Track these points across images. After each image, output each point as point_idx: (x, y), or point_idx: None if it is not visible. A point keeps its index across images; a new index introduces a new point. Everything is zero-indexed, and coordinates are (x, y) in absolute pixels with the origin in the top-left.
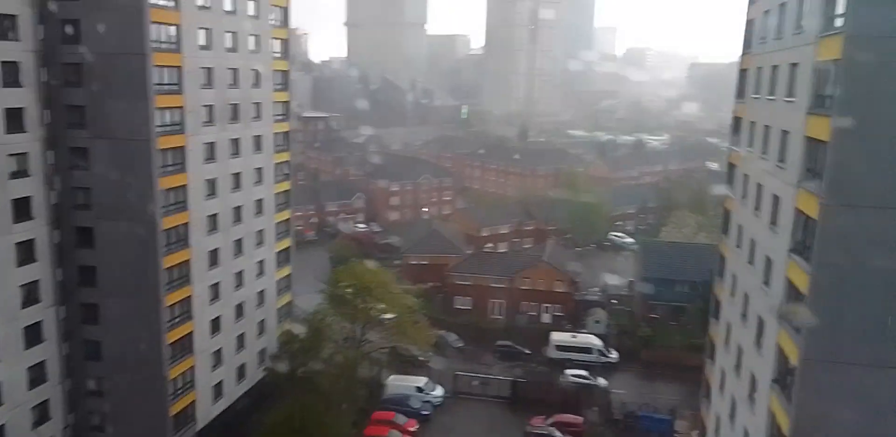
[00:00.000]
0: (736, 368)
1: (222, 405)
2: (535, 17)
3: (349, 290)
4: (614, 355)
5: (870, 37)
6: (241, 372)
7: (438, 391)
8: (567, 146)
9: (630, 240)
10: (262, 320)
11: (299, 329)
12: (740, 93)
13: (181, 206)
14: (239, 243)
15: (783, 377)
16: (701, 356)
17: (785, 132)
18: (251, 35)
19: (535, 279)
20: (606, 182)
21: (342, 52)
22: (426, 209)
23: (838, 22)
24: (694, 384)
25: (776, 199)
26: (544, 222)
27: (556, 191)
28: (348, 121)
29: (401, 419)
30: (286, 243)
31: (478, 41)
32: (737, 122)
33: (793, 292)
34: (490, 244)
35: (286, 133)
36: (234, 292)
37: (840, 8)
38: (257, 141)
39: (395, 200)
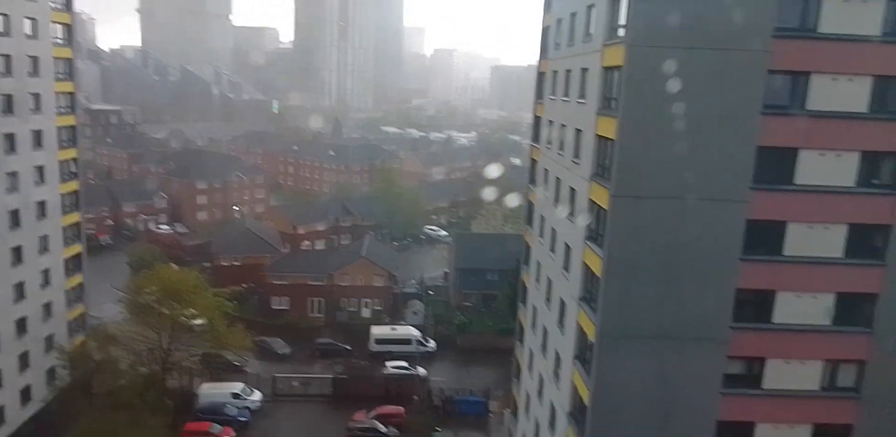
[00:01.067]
0: (542, 348)
1: (2, 433)
2: (345, 14)
3: (153, 297)
4: (432, 344)
5: (648, 46)
6: (25, 395)
7: (256, 396)
8: (381, 142)
9: (444, 233)
10: (51, 335)
11: (94, 343)
12: (539, 94)
13: None
14: (18, 250)
15: (583, 353)
16: (511, 340)
17: (579, 131)
18: (27, 18)
19: (353, 275)
20: (420, 178)
21: (136, 40)
22: (237, 208)
23: (621, 32)
24: (506, 366)
25: (573, 191)
26: (361, 218)
27: (372, 187)
28: (145, 114)
29: (216, 428)
30: (76, 248)
31: (287, 35)
32: (537, 121)
33: (589, 276)
34: (307, 242)
35: (72, 127)
36: (14, 306)
37: (622, 19)
38: (37, 136)
39: (203, 198)
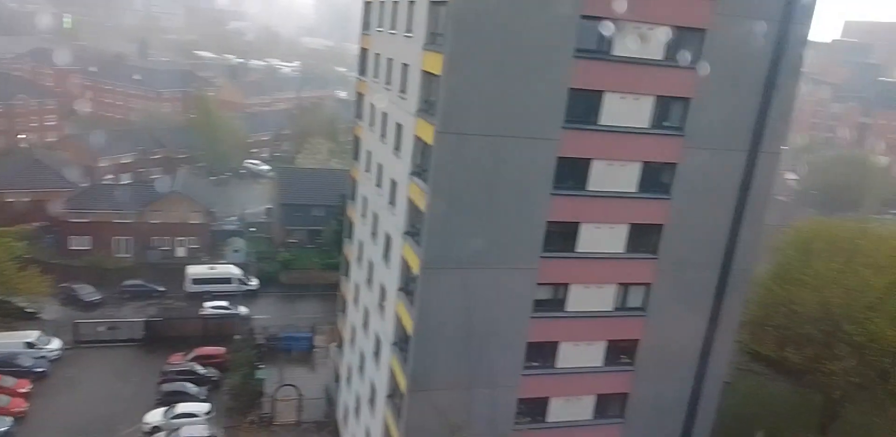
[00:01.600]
0: (368, 281)
1: None
2: None
3: None
4: (255, 282)
5: None
6: None
7: (55, 344)
8: (194, 68)
9: (266, 167)
10: None
11: None
12: (366, 25)
13: None
14: None
15: (407, 285)
16: (337, 275)
17: (405, 65)
18: None
19: (166, 212)
20: (239, 108)
21: None
22: (24, 136)
23: None
24: (332, 301)
25: (399, 127)
26: (174, 150)
27: (185, 116)
28: None
29: (9, 381)
30: None
31: None
32: (363, 53)
33: (414, 211)
34: (110, 176)
35: None
36: None
37: None
38: None
39: None
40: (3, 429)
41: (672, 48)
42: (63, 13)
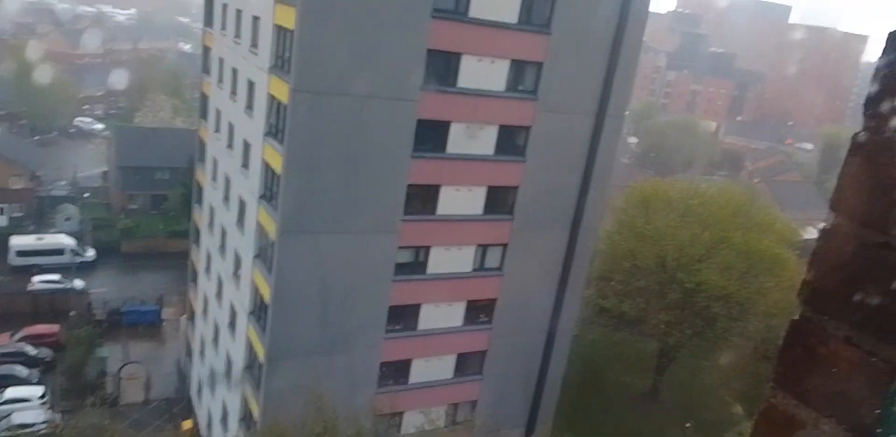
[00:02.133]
0: (221, 249)
1: None
2: None
3: None
4: (91, 252)
5: None
6: None
7: None
8: (12, 13)
9: (100, 126)
10: None
11: None
12: None
13: None
14: None
15: (264, 251)
16: (186, 242)
17: (256, 18)
18: None
19: None
20: (66, 59)
21: None
22: None
23: None
24: (181, 271)
25: (251, 84)
26: None
27: (3, 68)
28: None
29: None
30: None
31: None
32: (209, 2)
33: (269, 173)
34: None
35: None
36: None
37: None
38: None
39: None
40: None
41: (525, 12)
42: None
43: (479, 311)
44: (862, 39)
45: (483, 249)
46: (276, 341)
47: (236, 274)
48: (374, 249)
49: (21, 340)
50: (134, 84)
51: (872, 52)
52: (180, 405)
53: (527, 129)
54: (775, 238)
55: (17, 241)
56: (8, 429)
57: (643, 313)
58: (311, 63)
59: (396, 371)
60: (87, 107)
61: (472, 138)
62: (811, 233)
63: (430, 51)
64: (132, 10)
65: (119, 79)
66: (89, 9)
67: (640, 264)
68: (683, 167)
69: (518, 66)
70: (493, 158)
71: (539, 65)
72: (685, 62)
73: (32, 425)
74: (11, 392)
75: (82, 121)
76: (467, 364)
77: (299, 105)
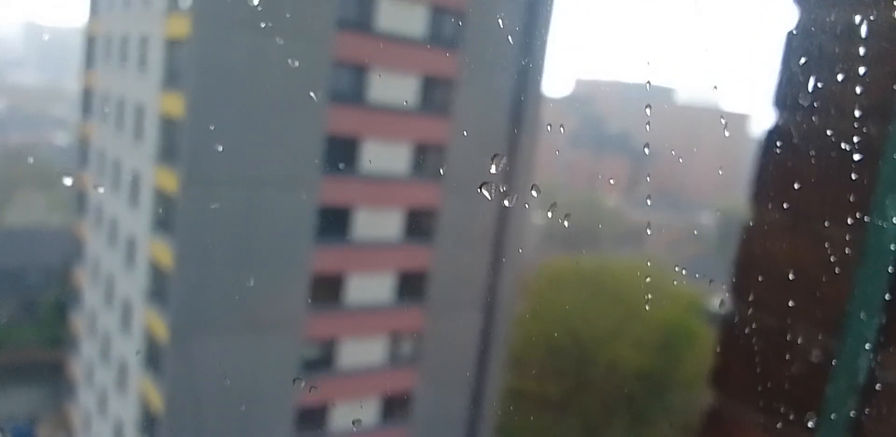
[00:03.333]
0: (104, 357)
1: None
2: None
3: None
4: None
5: (214, 16)
6: None
7: None
8: None
9: None
10: None
11: None
12: (90, 61)
13: None
14: None
15: (154, 355)
16: (64, 351)
17: (141, 107)
18: None
19: None
20: None
21: None
22: None
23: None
24: (59, 383)
25: (136, 176)
26: None
27: None
28: None
29: None
30: None
31: None
32: (88, 93)
33: (158, 270)
34: None
35: None
36: None
37: None
38: None
39: None
40: None
41: (426, 92)
42: None
43: (392, 406)
44: (744, 118)
45: (395, 336)
46: None
47: (123, 384)
48: (273, 350)
49: None
50: (4, 178)
51: (755, 129)
52: None
53: (431, 212)
54: (686, 309)
55: None
56: None
57: (565, 394)
58: (201, 152)
59: None
60: None
61: (377, 222)
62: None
63: (329, 136)
64: (2, 102)
65: None
66: None
67: (554, 344)
68: (591, 243)
69: (420, 147)
70: (400, 243)
71: (441, 148)
72: (584, 142)
73: None
74: None
75: None
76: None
77: (190, 196)
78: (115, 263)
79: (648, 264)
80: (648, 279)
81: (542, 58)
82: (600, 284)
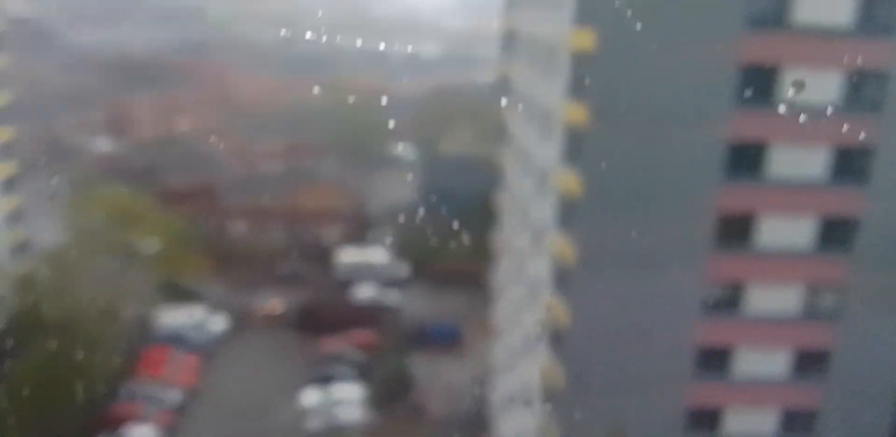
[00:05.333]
0: (518, 275)
1: None
2: None
3: (99, 221)
4: (403, 270)
5: None
6: None
7: (219, 324)
8: (335, 54)
9: (411, 154)
10: None
11: (41, 270)
12: (511, 3)
13: None
14: None
15: (560, 279)
16: (486, 265)
17: (553, 45)
18: None
19: (316, 198)
20: (382, 94)
21: None
22: (183, 126)
23: None
24: (481, 292)
25: (547, 111)
26: (321, 138)
27: (331, 104)
28: (71, 20)
29: (178, 355)
30: (9, 167)
31: None
32: (508, 34)
33: (565, 200)
34: (262, 163)
35: None
36: None
37: None
38: None
39: (145, 114)
40: (175, 400)
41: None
42: (207, 5)
43: (807, 361)
44: None
45: (813, 290)
46: (571, 373)
47: (532, 300)
48: (677, 284)
49: (344, 345)
50: (438, 115)
51: None
52: (477, 424)
53: (866, 150)
54: None
55: (343, 256)
56: (331, 423)
57: None
58: (609, 87)
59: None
60: (398, 136)
61: (796, 161)
62: None
63: (741, 65)
64: (437, 45)
65: (426, 110)
66: (401, 46)
67: None
68: None
69: (860, 77)
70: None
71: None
72: None
73: (350, 421)
74: (335, 390)
75: (395, 150)
76: (792, 423)
77: (597, 130)
78: (528, 190)
79: None
80: None
81: None
82: None
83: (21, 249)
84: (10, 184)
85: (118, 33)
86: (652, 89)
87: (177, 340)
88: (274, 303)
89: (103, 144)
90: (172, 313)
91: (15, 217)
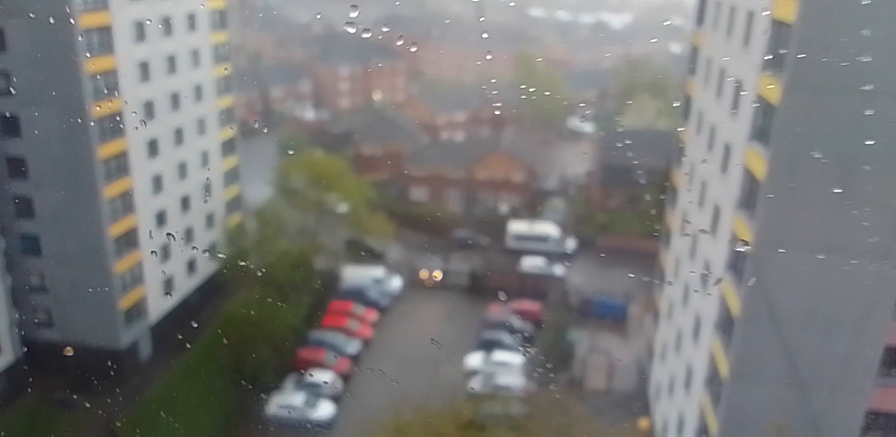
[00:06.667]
0: (691, 255)
1: (174, 299)
2: None
3: (300, 181)
4: (571, 243)
5: None
6: (190, 266)
7: (396, 282)
8: (525, 27)
9: (589, 127)
10: (211, 214)
11: (250, 222)
12: None
13: (111, 92)
14: (179, 131)
15: (736, 263)
16: (656, 244)
17: (751, 14)
18: None
19: (492, 169)
20: (565, 66)
21: None
22: (378, 95)
23: None
24: (649, 271)
25: (738, 84)
26: (502, 109)
27: (514, 76)
28: None
29: (358, 309)
30: (230, 131)
31: None
32: (701, 2)
33: (749, 179)
34: (445, 132)
35: (222, 11)
36: (178, 185)
37: None
38: (191, 19)
39: (345, 84)
40: (353, 350)
41: None
42: None
43: None
44: None
45: None
46: (741, 361)
47: (704, 282)
48: (869, 275)
49: (510, 312)
50: (621, 87)
51: None
52: (637, 402)
53: None
54: None
55: (514, 227)
56: (492, 387)
57: None
58: (809, 58)
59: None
60: (579, 109)
61: None
62: None
63: None
64: (627, 15)
65: (608, 82)
66: (589, 18)
67: None
68: None
69: None
70: None
71: None
72: None
73: (510, 387)
74: (498, 355)
75: (574, 122)
76: None
77: (791, 105)
78: (709, 167)
79: None
80: None
81: None
82: None
83: (235, 203)
84: (230, 145)
85: (328, 10)
86: (857, 65)
87: (358, 295)
88: (444, 267)
89: (308, 112)
90: (356, 270)
91: (232, 175)
